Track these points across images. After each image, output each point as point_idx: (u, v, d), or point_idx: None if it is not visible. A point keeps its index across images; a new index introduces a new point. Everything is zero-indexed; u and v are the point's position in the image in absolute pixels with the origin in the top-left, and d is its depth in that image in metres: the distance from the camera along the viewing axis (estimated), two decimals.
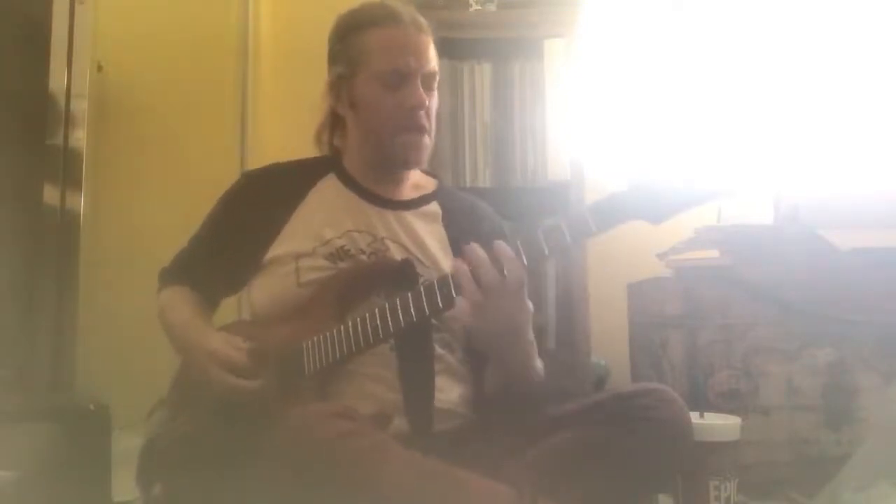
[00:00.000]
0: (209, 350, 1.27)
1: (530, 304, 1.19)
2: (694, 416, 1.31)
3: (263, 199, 1.41)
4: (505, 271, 1.10)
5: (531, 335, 1.25)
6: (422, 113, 1.36)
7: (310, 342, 1.25)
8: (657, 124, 2.26)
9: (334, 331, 1.23)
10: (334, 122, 1.46)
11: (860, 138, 2.19)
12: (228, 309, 1.56)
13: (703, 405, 1.43)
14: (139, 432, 1.55)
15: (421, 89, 1.35)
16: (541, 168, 2.03)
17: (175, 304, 1.41)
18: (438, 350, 1.31)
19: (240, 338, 1.28)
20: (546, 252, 1.11)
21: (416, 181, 1.47)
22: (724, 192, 1.07)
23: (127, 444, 1.58)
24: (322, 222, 1.38)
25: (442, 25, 1.96)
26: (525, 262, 1.12)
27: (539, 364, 1.30)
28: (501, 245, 1.12)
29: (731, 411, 1.52)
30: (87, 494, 1.54)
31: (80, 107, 1.93)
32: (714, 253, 1.81)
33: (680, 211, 1.07)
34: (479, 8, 2.07)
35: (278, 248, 1.36)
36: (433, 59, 1.38)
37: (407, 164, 1.42)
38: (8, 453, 1.43)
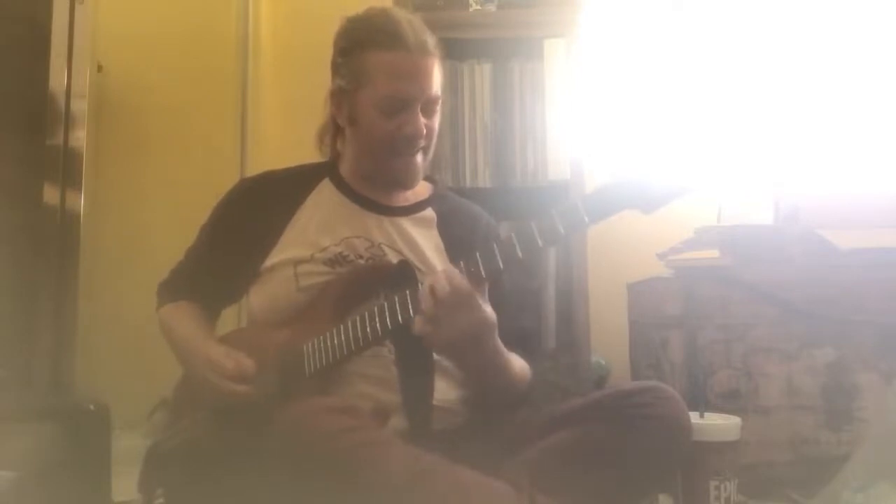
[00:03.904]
0: (208, 359, 1.27)
1: (492, 315, 1.18)
2: (694, 416, 1.32)
3: (260, 207, 1.41)
4: (449, 283, 1.11)
5: (497, 345, 1.22)
6: (420, 139, 1.34)
7: (310, 344, 1.26)
8: (657, 123, 2.26)
9: (333, 331, 1.23)
10: (336, 127, 1.46)
11: (860, 138, 2.20)
12: (229, 317, 1.56)
13: (703, 405, 1.43)
14: (139, 432, 1.55)
15: (420, 118, 1.33)
16: (541, 168, 2.03)
17: (177, 319, 1.41)
18: (435, 355, 1.30)
19: (241, 352, 1.28)
20: (540, 243, 1.11)
21: None
22: (714, 182, 1.08)
23: (127, 444, 1.59)
24: (319, 230, 1.38)
25: (442, 25, 1.96)
26: (520, 254, 1.12)
27: (516, 372, 1.29)
28: (449, 268, 1.15)
29: (731, 411, 1.52)
30: (87, 494, 1.54)
31: (80, 107, 1.92)
32: (714, 253, 1.81)
33: (671, 200, 1.07)
34: (479, 8, 2.07)
35: (276, 256, 1.36)
36: (436, 83, 1.35)
37: (398, 186, 1.42)
38: (8, 453, 1.43)
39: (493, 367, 1.24)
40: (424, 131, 1.34)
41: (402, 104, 1.32)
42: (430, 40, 1.35)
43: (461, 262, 1.15)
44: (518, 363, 1.30)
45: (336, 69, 1.39)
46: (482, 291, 1.17)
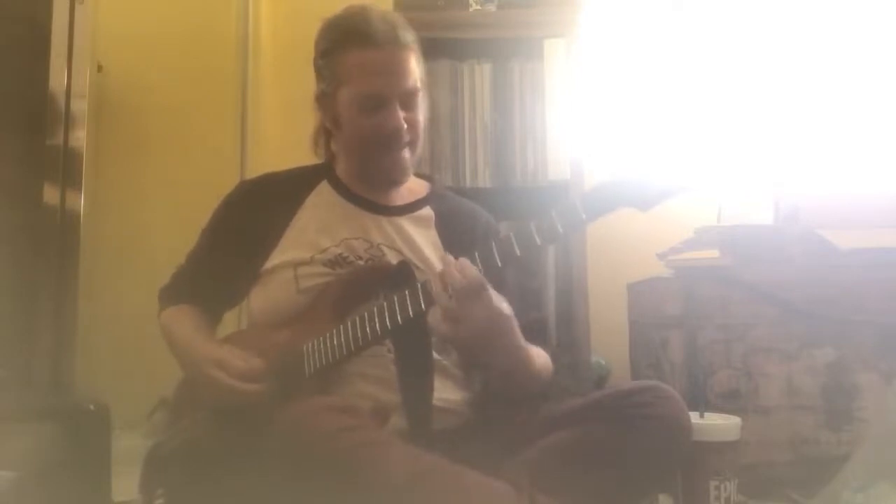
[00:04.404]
0: (216, 359, 1.27)
1: (508, 308, 1.17)
2: (694, 416, 1.32)
3: (260, 209, 1.41)
4: (462, 275, 1.11)
5: (519, 339, 1.22)
6: (401, 134, 1.34)
7: (309, 345, 1.26)
8: (656, 123, 2.26)
9: (332, 331, 1.23)
10: (327, 130, 1.46)
11: (860, 138, 2.20)
12: (229, 319, 1.56)
13: (703, 405, 1.43)
14: (139, 432, 1.55)
15: (398, 112, 1.33)
16: (541, 168, 2.03)
17: (178, 323, 1.41)
18: (434, 355, 1.31)
19: (246, 351, 1.28)
20: (538, 242, 1.11)
21: (408, 185, 1.46)
22: (712, 182, 1.08)
23: (127, 444, 1.59)
24: (318, 231, 1.38)
25: (442, 25, 1.97)
26: (518, 253, 1.12)
27: (539, 365, 1.29)
28: (461, 259, 1.13)
29: (731, 411, 1.52)
30: (87, 494, 1.54)
31: (80, 107, 1.92)
32: (714, 253, 1.81)
33: (666, 198, 1.07)
34: (479, 8, 2.07)
35: (277, 258, 1.36)
36: (413, 76, 1.34)
37: (389, 182, 1.42)
38: (8, 453, 1.43)
39: (516, 361, 1.23)
40: (406, 126, 1.34)
41: (379, 101, 1.32)
42: (405, 34, 1.34)
43: (475, 253, 1.14)
44: (540, 356, 1.29)
45: (318, 72, 1.40)
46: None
